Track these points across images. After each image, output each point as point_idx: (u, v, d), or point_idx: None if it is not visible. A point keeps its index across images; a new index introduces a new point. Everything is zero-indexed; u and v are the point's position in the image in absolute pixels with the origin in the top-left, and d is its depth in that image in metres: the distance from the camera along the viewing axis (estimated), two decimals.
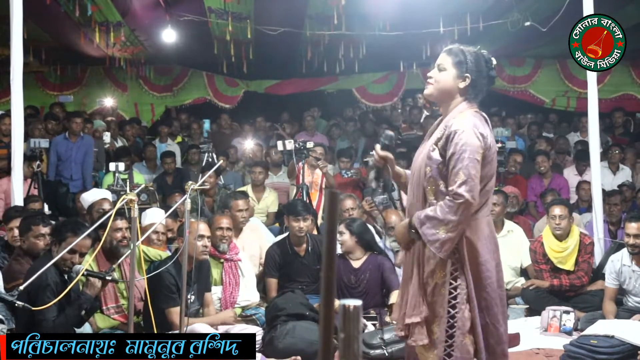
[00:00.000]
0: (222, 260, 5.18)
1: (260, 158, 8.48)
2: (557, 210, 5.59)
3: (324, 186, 7.03)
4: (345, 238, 5.14)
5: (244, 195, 6.34)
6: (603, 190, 6.72)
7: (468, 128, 2.75)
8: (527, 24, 7.76)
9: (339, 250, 5.12)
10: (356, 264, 5.17)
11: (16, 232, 4.85)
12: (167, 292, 4.34)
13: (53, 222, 4.61)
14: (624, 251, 5.11)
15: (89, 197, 5.84)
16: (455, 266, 2.82)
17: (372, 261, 5.16)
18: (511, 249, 6.05)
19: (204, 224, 4.69)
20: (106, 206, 5.55)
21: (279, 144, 7.07)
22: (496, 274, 2.89)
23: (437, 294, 2.83)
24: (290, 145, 6.89)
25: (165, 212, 5.27)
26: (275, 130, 9.95)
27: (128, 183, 6.81)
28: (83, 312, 3.86)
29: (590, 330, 4.61)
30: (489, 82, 2.95)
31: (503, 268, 6.27)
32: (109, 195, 5.97)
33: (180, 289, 4.12)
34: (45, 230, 4.49)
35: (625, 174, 8.10)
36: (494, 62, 2.95)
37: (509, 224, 6.22)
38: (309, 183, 7.01)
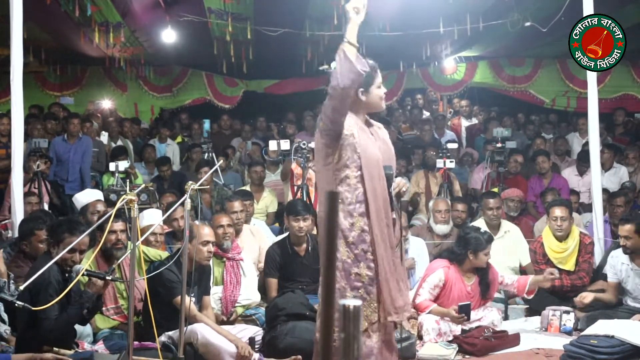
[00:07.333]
0: (224, 259, 5.18)
1: (259, 157, 8.48)
2: (557, 212, 5.60)
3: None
4: None
5: (244, 195, 6.29)
6: (607, 192, 6.70)
7: None
8: (527, 24, 7.75)
9: None
10: None
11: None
12: (173, 284, 4.26)
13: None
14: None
15: (82, 198, 5.70)
16: None
17: None
18: (509, 249, 6.05)
19: (209, 228, 4.62)
20: (100, 207, 5.45)
21: (273, 143, 7.01)
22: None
23: None
24: (285, 145, 6.82)
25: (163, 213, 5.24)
26: (271, 131, 9.94)
27: (128, 183, 6.79)
28: (85, 311, 3.85)
29: (590, 330, 4.61)
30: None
31: (501, 268, 6.25)
32: (101, 195, 5.84)
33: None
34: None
35: (619, 173, 8.03)
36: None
37: (505, 225, 6.22)
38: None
